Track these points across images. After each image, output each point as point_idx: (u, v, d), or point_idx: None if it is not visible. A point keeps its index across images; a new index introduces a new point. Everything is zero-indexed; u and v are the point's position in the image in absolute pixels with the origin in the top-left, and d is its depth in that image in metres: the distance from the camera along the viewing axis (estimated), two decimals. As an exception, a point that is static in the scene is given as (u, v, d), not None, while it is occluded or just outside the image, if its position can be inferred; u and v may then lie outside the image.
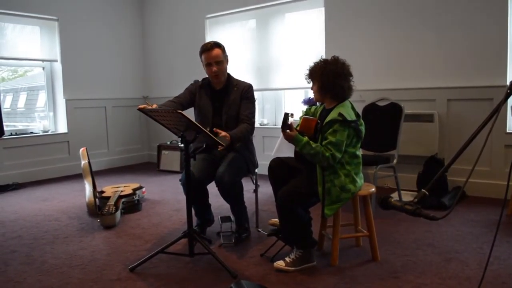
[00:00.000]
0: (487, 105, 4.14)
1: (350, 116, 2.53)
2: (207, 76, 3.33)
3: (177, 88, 6.61)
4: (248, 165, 3.22)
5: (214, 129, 2.88)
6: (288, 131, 2.50)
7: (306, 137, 2.52)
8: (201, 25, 6.30)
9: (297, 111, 3.10)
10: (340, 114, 2.50)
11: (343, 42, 4.95)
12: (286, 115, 2.50)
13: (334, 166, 2.53)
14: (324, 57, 2.73)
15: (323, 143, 2.51)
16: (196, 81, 3.40)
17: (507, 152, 4.11)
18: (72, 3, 6.09)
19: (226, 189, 2.96)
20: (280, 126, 2.52)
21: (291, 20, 5.51)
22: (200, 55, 3.24)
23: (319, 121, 2.63)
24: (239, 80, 3.36)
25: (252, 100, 3.30)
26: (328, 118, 2.54)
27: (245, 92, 3.27)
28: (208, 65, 3.18)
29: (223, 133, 2.84)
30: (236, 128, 3.13)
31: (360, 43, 4.86)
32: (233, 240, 3.14)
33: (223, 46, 3.25)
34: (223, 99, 3.27)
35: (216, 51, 3.17)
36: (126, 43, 6.87)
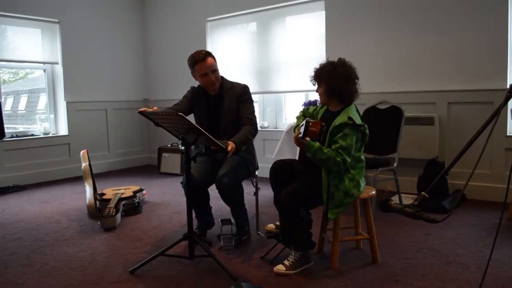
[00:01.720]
0: (487, 109, 4.14)
1: (358, 120, 2.53)
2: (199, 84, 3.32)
3: (177, 90, 6.63)
4: (248, 167, 3.22)
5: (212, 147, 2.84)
6: (307, 138, 2.46)
7: (318, 143, 2.50)
8: (202, 28, 6.32)
9: (298, 114, 3.10)
10: (349, 118, 2.48)
11: (344, 45, 4.96)
12: (308, 123, 2.44)
13: (341, 170, 2.53)
14: (328, 59, 2.70)
15: (333, 147, 2.49)
16: (193, 88, 3.39)
17: (507, 156, 4.11)
18: (73, 6, 6.11)
19: (227, 192, 2.96)
20: (300, 133, 2.44)
21: (292, 24, 5.52)
22: (192, 67, 3.15)
23: (323, 123, 2.61)
24: (233, 82, 3.34)
25: (250, 101, 3.29)
26: (337, 122, 2.52)
27: (242, 95, 3.26)
28: (204, 75, 3.13)
29: (229, 147, 2.82)
30: (238, 133, 3.11)
31: (361, 46, 4.87)
32: (233, 243, 3.14)
33: (211, 53, 3.23)
34: (220, 105, 3.25)
35: (210, 59, 3.14)
36: (127, 46, 6.89)
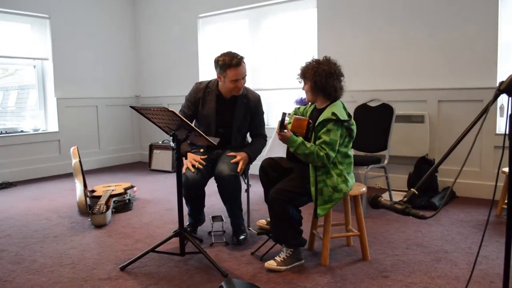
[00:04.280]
0: (477, 107, 4.17)
1: (342, 115, 2.55)
2: (212, 79, 3.23)
3: (169, 87, 6.63)
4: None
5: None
6: (285, 131, 2.50)
7: (301, 137, 2.53)
8: (194, 25, 6.29)
9: (290, 111, 3.12)
10: (333, 113, 2.51)
11: (335, 42, 4.97)
12: (284, 115, 2.49)
13: (327, 165, 2.54)
14: (315, 57, 2.74)
15: (317, 142, 2.53)
16: (197, 84, 3.26)
17: (496, 153, 4.15)
18: (63, 1, 6.06)
19: (227, 184, 2.94)
20: (277, 126, 2.51)
21: (284, 21, 5.52)
22: (224, 70, 3.00)
23: (310, 121, 2.65)
24: (248, 89, 3.27)
25: (262, 112, 3.33)
26: (321, 118, 2.56)
27: (257, 106, 3.27)
28: (235, 81, 3.02)
29: (237, 158, 2.99)
30: (253, 144, 3.23)
31: (352, 44, 4.89)
32: (224, 239, 3.14)
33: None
34: (233, 110, 3.18)
35: (243, 66, 3.04)
36: (118, 42, 6.84)
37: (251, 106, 3.22)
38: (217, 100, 3.18)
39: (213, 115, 3.17)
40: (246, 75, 3.10)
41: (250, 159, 3.13)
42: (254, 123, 3.28)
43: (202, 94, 3.20)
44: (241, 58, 3.04)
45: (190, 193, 3.02)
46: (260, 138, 3.28)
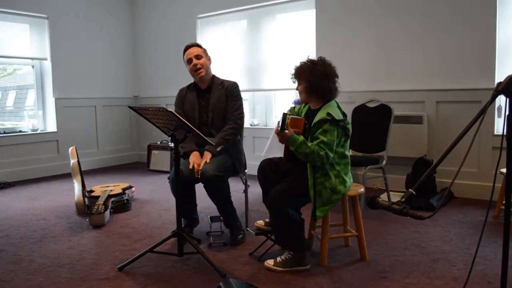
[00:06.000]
0: (475, 107, 4.18)
1: (338, 115, 2.55)
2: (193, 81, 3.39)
3: (167, 88, 6.63)
4: (234, 163, 3.21)
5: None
6: (286, 131, 2.49)
7: (302, 137, 2.52)
8: (193, 25, 6.30)
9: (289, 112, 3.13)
10: (328, 114, 2.51)
11: (334, 43, 4.98)
12: (285, 115, 2.47)
13: (325, 166, 2.54)
14: (310, 57, 2.73)
15: (315, 142, 2.52)
16: (180, 89, 3.46)
17: (494, 154, 4.15)
18: (62, 1, 6.05)
19: (211, 184, 2.95)
20: (279, 127, 2.46)
21: (282, 21, 5.53)
22: (183, 58, 3.34)
23: (306, 121, 2.64)
24: (224, 79, 3.40)
25: (238, 98, 3.33)
26: (317, 118, 2.55)
27: (231, 90, 3.30)
28: (189, 61, 3.27)
29: (203, 161, 3.00)
30: (220, 131, 3.18)
31: (351, 44, 4.89)
32: (222, 240, 3.14)
33: (204, 47, 3.36)
34: (209, 97, 3.31)
35: (195, 47, 3.29)
36: (116, 42, 6.84)
37: (226, 90, 3.32)
38: (197, 92, 3.38)
39: (195, 104, 3.32)
40: (201, 56, 3.27)
41: (213, 154, 3.07)
42: (229, 105, 3.30)
43: (185, 93, 3.42)
44: (195, 43, 3.36)
45: (180, 186, 2.99)
46: (230, 122, 3.24)
